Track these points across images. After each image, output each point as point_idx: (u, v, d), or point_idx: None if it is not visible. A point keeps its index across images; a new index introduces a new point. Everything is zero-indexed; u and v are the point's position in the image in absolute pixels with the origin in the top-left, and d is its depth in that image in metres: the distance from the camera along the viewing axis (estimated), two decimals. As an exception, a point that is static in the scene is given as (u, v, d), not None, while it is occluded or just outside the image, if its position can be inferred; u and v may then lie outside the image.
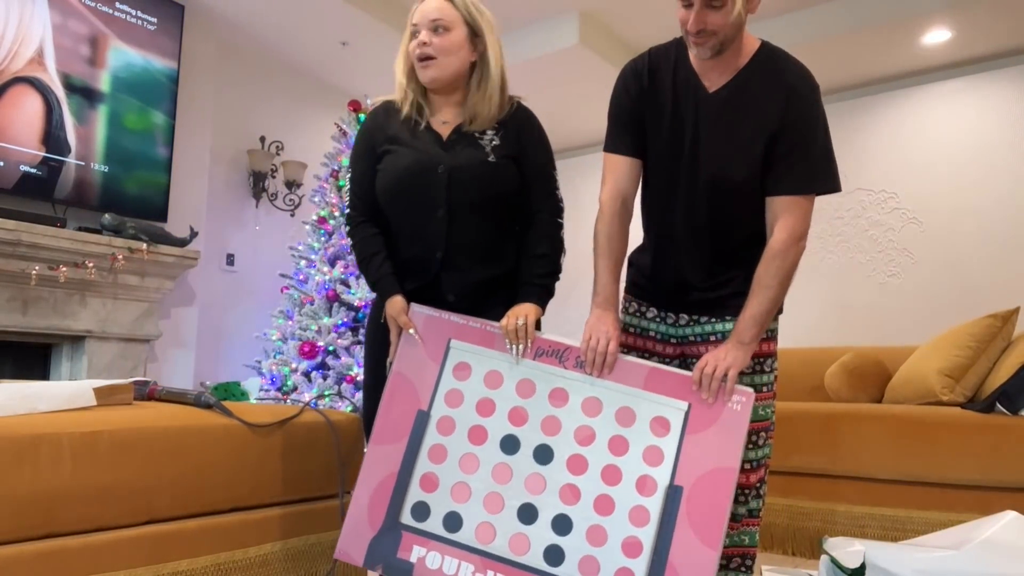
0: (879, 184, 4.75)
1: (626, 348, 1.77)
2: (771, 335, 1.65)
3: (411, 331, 1.63)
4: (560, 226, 1.72)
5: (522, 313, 1.57)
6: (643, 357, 1.75)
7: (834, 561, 1.79)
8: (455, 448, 1.53)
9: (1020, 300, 4.18)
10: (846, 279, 4.78)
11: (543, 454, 1.49)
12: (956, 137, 4.51)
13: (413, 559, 1.48)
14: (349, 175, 1.82)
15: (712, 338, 1.65)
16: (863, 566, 1.72)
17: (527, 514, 1.47)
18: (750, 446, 1.59)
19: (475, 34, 1.65)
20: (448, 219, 1.64)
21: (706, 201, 1.61)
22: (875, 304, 4.67)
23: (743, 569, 1.64)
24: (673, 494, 1.41)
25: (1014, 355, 2.67)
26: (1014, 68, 4.37)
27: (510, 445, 1.51)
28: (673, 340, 1.75)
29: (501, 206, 1.67)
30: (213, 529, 1.58)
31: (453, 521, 1.49)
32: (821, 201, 5.18)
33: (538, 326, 1.62)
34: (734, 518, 1.60)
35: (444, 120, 1.70)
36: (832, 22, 4.21)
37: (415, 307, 1.66)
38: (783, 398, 3.72)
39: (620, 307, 1.76)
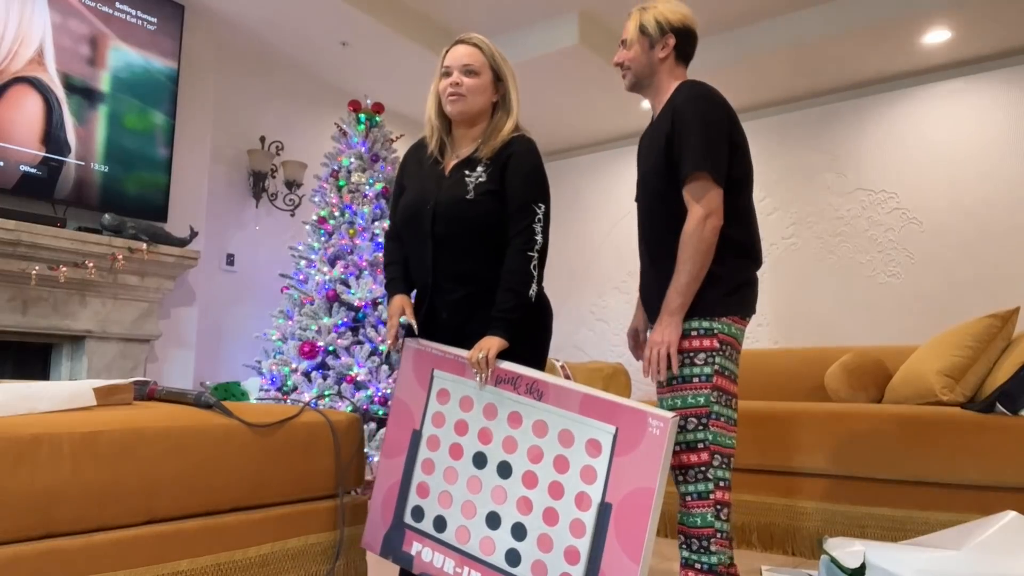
0: (879, 184, 4.76)
1: None
2: (707, 333, 1.75)
3: (401, 319, 1.89)
4: (530, 259, 1.82)
5: (485, 347, 1.75)
6: None
7: (834, 561, 1.79)
8: (440, 462, 1.79)
9: (1020, 300, 4.18)
10: (846, 279, 4.78)
11: (504, 469, 1.69)
12: (956, 137, 4.51)
13: (413, 552, 1.77)
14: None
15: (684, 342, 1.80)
16: (863, 566, 1.72)
17: (493, 521, 1.68)
18: (678, 430, 1.73)
19: (498, 79, 1.90)
20: (433, 248, 1.86)
21: (645, 213, 1.89)
22: (875, 304, 4.67)
23: (701, 550, 1.71)
24: (604, 510, 1.55)
25: (1014, 355, 2.67)
26: (1014, 68, 4.37)
27: (480, 460, 1.73)
28: None
29: (480, 235, 1.84)
30: (213, 529, 1.58)
31: (440, 523, 1.75)
32: (821, 201, 5.22)
33: (505, 354, 1.79)
34: (681, 498, 1.74)
35: (459, 154, 1.91)
36: (833, 22, 4.21)
37: (409, 341, 1.92)
38: (783, 398, 3.72)
39: None
